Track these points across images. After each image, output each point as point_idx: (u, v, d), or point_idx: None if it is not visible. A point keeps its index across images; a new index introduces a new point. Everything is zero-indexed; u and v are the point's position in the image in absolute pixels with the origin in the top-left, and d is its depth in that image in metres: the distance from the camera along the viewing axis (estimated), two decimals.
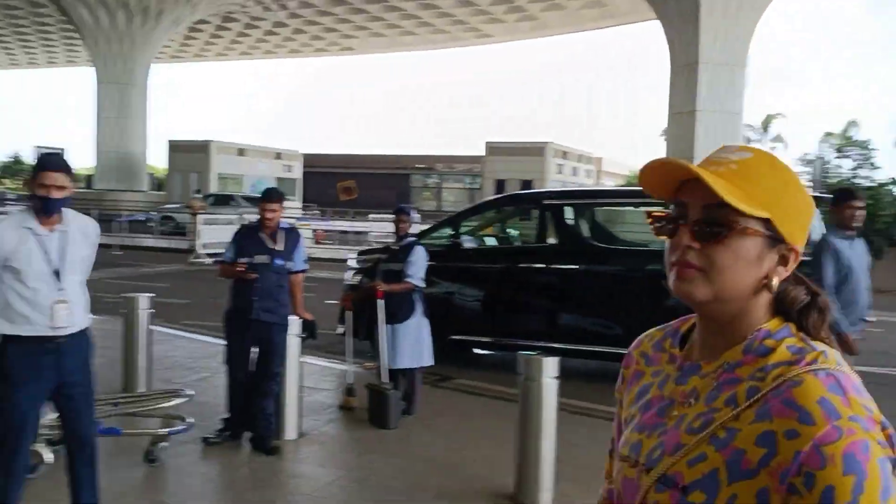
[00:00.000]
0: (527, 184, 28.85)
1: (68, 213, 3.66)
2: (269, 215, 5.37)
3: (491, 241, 9.36)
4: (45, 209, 3.53)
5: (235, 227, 5.81)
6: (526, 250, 9.00)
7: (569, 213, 8.09)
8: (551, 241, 7.98)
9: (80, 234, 3.69)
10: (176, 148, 39.59)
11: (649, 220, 1.15)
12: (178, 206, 31.93)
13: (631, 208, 8.91)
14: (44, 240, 3.55)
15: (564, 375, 4.88)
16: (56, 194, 3.49)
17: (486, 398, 6.99)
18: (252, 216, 6.11)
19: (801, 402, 1.01)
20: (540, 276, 8.04)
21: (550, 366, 4.57)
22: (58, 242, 3.58)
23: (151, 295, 6.82)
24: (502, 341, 8.18)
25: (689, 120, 28.18)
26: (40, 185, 3.48)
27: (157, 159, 51.65)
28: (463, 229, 8.74)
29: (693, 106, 27.86)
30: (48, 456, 4.62)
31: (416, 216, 7.59)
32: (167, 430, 5.00)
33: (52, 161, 3.58)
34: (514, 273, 8.17)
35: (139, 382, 6.54)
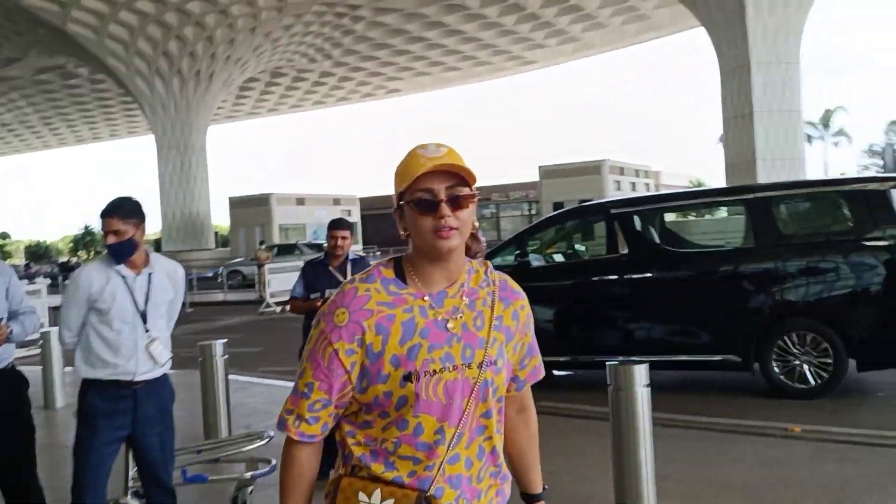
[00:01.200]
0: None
1: (155, 257, 3.66)
2: (340, 242, 5.31)
3: (558, 258, 9.11)
4: (111, 254, 3.51)
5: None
6: (596, 263, 8.76)
7: (638, 221, 7.82)
8: (623, 250, 7.72)
9: (166, 277, 3.67)
10: (237, 204, 40.48)
11: (415, 208, 1.60)
12: (242, 259, 32.58)
13: (700, 210, 8.57)
14: (129, 281, 3.53)
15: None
16: (111, 239, 3.45)
17: (574, 419, 6.74)
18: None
19: (516, 288, 1.77)
20: (614, 288, 7.78)
21: (641, 374, 4.33)
22: (144, 285, 3.56)
23: (225, 341, 6.81)
24: (580, 359, 7.92)
25: (747, 122, 27.50)
26: (104, 232, 3.48)
27: (222, 217, 52.91)
28: (529, 248, 8.54)
29: (750, 108, 27.20)
30: None
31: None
32: (252, 473, 4.90)
33: (108, 207, 3.51)
34: (587, 287, 7.93)
35: (220, 429, 6.50)
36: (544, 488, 1.92)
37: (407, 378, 1.58)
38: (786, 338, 7.06)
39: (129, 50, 39.40)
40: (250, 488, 4.92)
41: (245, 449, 5.04)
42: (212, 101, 43.05)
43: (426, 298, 1.64)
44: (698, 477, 5.06)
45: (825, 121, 54.87)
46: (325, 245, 5.57)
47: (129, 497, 4.62)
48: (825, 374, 6.95)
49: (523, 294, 1.79)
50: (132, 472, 4.68)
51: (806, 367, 7.00)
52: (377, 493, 1.60)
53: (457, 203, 1.61)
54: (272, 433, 5.23)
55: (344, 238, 5.35)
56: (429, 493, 1.59)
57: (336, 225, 5.41)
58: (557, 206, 31.78)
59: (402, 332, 1.61)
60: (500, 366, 1.68)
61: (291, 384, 6.57)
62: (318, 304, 5.17)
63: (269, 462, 5.07)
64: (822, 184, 8.05)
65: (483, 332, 1.66)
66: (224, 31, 39.38)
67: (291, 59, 47.85)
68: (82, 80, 50.83)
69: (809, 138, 42.97)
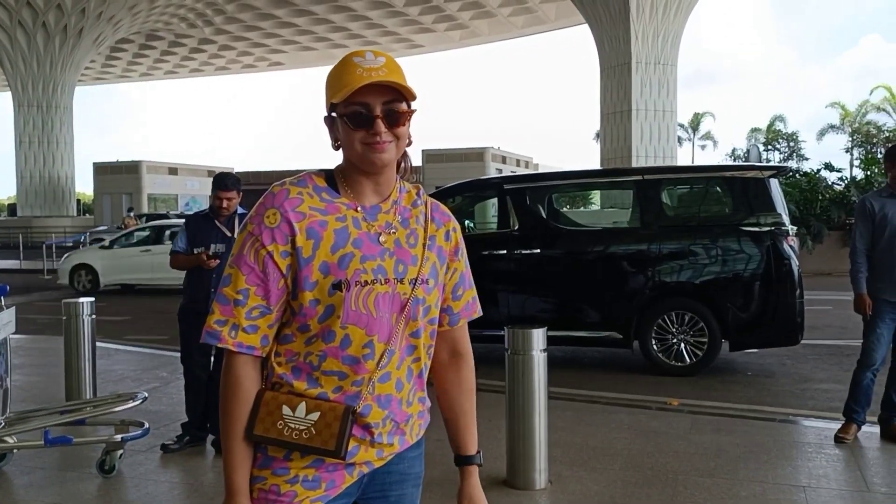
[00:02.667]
0: None
1: None
2: (225, 204, 4.97)
3: None
4: None
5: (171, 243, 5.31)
6: (487, 238, 8.74)
7: (529, 197, 7.85)
8: (514, 226, 7.73)
9: None
10: (103, 170, 38.29)
11: (349, 122, 1.54)
12: (107, 228, 30.90)
13: (593, 189, 8.70)
14: None
15: None
16: None
17: None
18: None
19: (446, 211, 1.73)
20: (504, 263, 7.78)
21: (538, 338, 4.30)
22: None
23: (92, 300, 6.32)
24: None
25: (625, 119, 28.48)
26: None
27: (86, 184, 49.96)
28: None
29: (629, 105, 28.17)
30: None
31: None
32: (122, 435, 4.55)
33: None
34: (477, 262, 7.91)
35: (84, 394, 6.04)
36: (478, 453, 1.79)
37: (336, 286, 1.53)
38: (665, 317, 7.28)
39: None
40: (120, 452, 4.60)
41: (115, 410, 4.68)
42: (80, 59, 40.39)
43: (359, 210, 1.59)
44: (582, 444, 5.11)
45: (694, 124, 57.77)
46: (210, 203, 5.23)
47: None
48: (699, 353, 7.22)
49: (454, 218, 1.76)
50: None
51: (683, 345, 7.25)
52: (302, 407, 1.53)
53: (393, 119, 1.54)
54: (145, 394, 4.89)
55: (230, 199, 5.01)
56: (356, 408, 1.54)
57: (222, 185, 4.99)
58: (438, 189, 31.86)
59: (335, 239, 1.55)
60: (432, 285, 1.64)
61: (161, 352, 6.19)
62: (204, 256, 4.85)
63: (141, 425, 4.74)
64: (706, 169, 8.34)
65: (416, 249, 1.62)
66: None
67: (169, 23, 45.61)
68: None
69: (679, 140, 45.10)
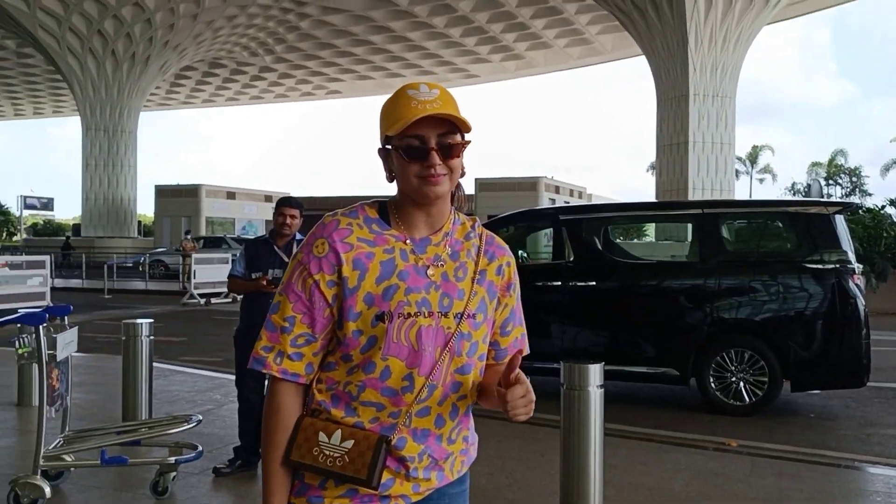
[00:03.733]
0: None
1: None
2: (288, 221, 5.05)
3: None
4: None
5: (229, 268, 5.45)
6: (541, 268, 8.68)
7: (585, 228, 7.77)
8: (569, 257, 7.66)
9: None
10: (163, 193, 39.31)
11: (404, 155, 1.54)
12: (166, 249, 31.62)
13: (650, 222, 8.58)
14: None
15: None
16: None
17: (509, 423, 6.58)
18: None
19: (501, 244, 1.70)
20: (558, 295, 7.69)
21: (595, 374, 4.22)
22: None
23: (150, 321, 6.43)
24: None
25: (682, 151, 28.15)
26: None
27: (148, 206, 51.37)
28: None
29: (685, 137, 27.85)
30: (47, 489, 4.23)
31: None
32: (176, 458, 4.59)
33: None
34: (529, 292, 7.84)
35: (140, 414, 6.12)
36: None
37: (379, 318, 1.53)
38: (724, 354, 7.09)
39: (62, 25, 37.89)
40: (173, 474, 4.63)
41: (170, 432, 4.73)
42: (146, 85, 41.75)
43: (408, 242, 1.60)
44: (638, 484, 4.98)
45: (752, 157, 56.91)
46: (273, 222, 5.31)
47: (38, 476, 4.27)
48: (759, 392, 7.00)
49: (510, 252, 1.72)
50: (44, 450, 4.33)
51: (742, 384, 7.05)
52: (338, 434, 1.54)
53: (448, 152, 1.55)
54: (199, 417, 4.93)
55: (293, 217, 5.10)
56: (390, 439, 1.54)
57: (286, 202, 5.15)
58: (491, 218, 31.80)
59: (381, 271, 1.56)
60: (480, 321, 1.61)
61: (216, 374, 6.27)
62: (263, 282, 4.90)
63: (194, 448, 4.77)
64: (769, 204, 8.17)
65: (464, 283, 1.61)
66: (164, 14, 38.27)
67: (232, 51, 46.86)
68: (9, 52, 48.66)
69: (737, 173, 44.42)
